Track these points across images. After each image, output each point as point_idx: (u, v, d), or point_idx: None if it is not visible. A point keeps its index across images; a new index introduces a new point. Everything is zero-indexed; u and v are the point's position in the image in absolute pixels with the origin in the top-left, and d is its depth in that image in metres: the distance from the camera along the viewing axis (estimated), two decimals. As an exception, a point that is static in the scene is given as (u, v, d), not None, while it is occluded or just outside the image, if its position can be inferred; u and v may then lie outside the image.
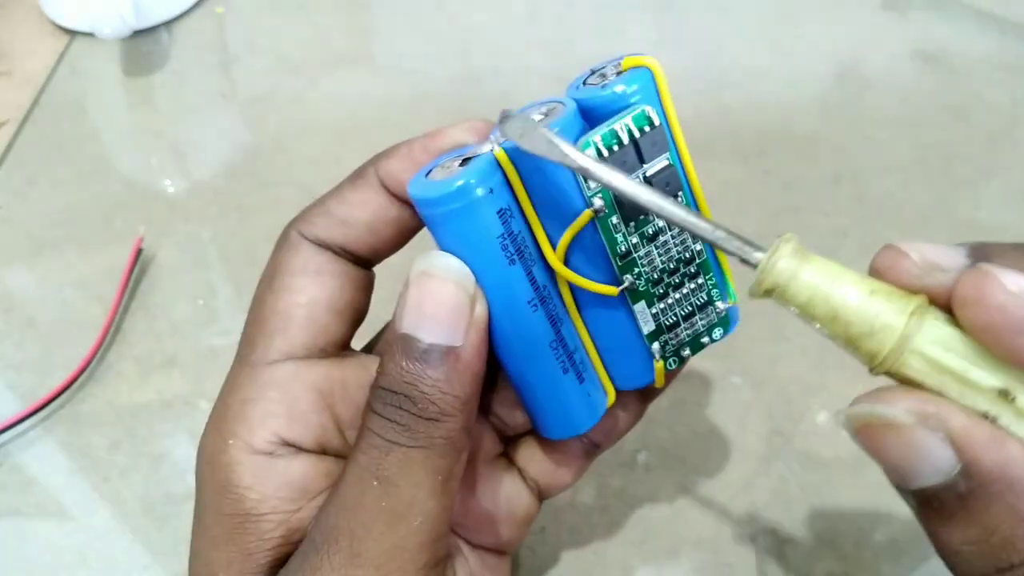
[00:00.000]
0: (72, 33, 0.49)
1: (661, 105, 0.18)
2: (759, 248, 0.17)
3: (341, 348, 0.20)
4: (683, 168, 0.19)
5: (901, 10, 0.49)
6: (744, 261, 0.17)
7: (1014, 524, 0.15)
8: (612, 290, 0.19)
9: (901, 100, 0.44)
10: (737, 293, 0.21)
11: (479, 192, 0.17)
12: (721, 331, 0.21)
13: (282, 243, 0.20)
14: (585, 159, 0.17)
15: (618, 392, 0.21)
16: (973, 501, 0.15)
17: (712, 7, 0.50)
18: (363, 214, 0.20)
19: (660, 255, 0.19)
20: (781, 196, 0.39)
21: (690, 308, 0.20)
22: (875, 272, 0.17)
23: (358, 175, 0.20)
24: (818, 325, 0.17)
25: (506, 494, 0.22)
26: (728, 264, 0.20)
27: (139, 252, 0.36)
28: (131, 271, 0.36)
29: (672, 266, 0.19)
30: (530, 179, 0.18)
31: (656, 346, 0.20)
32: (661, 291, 0.20)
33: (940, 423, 0.15)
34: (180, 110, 0.45)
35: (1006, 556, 0.15)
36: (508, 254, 0.18)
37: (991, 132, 0.42)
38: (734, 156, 0.41)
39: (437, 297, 0.17)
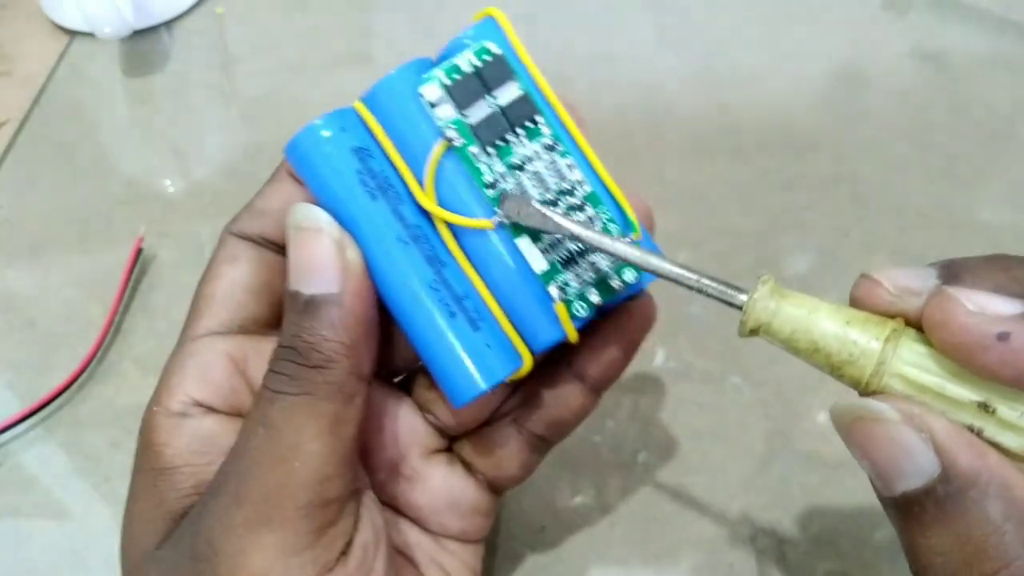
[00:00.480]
0: (72, 33, 0.49)
1: (512, 48, 0.20)
2: (742, 290, 0.18)
3: (265, 327, 0.21)
4: (548, 103, 0.20)
5: (901, 10, 0.49)
6: (729, 304, 0.18)
7: (988, 533, 0.15)
8: (487, 223, 0.19)
9: (901, 100, 0.44)
10: (640, 227, 0.20)
11: (325, 133, 0.19)
12: (634, 274, 0.20)
13: (218, 242, 0.22)
14: (577, 227, 0.18)
15: (537, 357, 0.20)
16: (951, 506, 0.15)
17: (712, 7, 0.50)
18: (276, 203, 0.21)
19: (534, 184, 0.19)
20: (781, 196, 0.39)
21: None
22: (854, 301, 0.18)
23: (275, 170, 0.22)
24: (803, 357, 0.18)
25: (447, 486, 0.23)
26: (622, 194, 0.20)
27: (139, 252, 0.36)
28: (131, 271, 0.36)
29: (552, 197, 0.19)
30: (390, 125, 0.19)
31: (554, 289, 0.19)
32: None
33: (924, 424, 0.16)
34: (180, 110, 0.45)
35: (978, 566, 0.15)
36: (368, 189, 0.19)
37: (991, 132, 0.42)
38: (734, 156, 0.41)
39: (306, 249, 0.19)
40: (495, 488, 0.24)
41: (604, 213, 0.20)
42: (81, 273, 0.37)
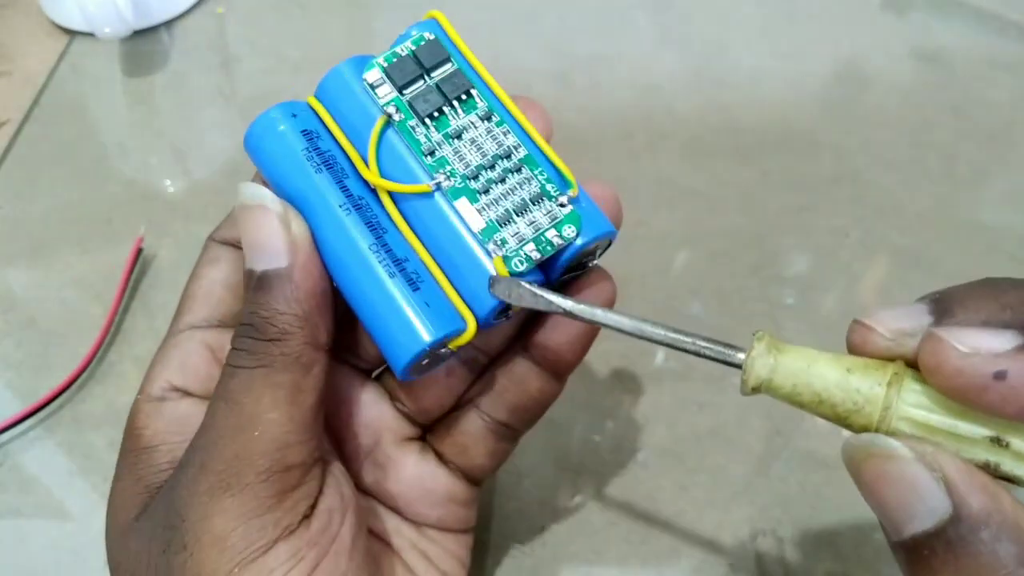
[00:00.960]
0: (72, 33, 0.49)
1: (460, 52, 0.21)
2: (739, 349, 0.18)
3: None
4: (484, 83, 0.21)
5: (901, 10, 0.49)
6: (728, 363, 0.18)
7: (997, 574, 0.15)
8: (425, 188, 0.20)
9: (901, 100, 0.44)
10: (576, 183, 0.20)
11: (277, 118, 0.20)
12: (574, 229, 0.20)
13: (202, 248, 0.23)
14: (569, 303, 0.19)
15: (482, 322, 0.20)
16: (961, 548, 0.15)
17: (713, 7, 0.50)
18: None
19: (471, 151, 0.20)
20: (781, 196, 0.39)
21: (520, 201, 0.20)
22: (851, 348, 0.18)
23: (253, 177, 0.22)
24: (808, 410, 0.18)
25: (419, 474, 0.23)
26: (557, 156, 0.20)
27: (139, 252, 0.36)
28: (131, 271, 0.36)
29: (488, 162, 0.20)
30: (337, 111, 0.21)
31: (492, 245, 0.20)
32: (481, 186, 0.20)
33: (936, 463, 0.16)
34: (180, 110, 0.45)
35: None
36: (314, 164, 0.20)
37: (991, 132, 0.42)
38: (734, 156, 0.41)
39: (253, 227, 0.19)
40: (469, 478, 0.24)
41: (541, 174, 0.20)
42: (81, 273, 0.37)
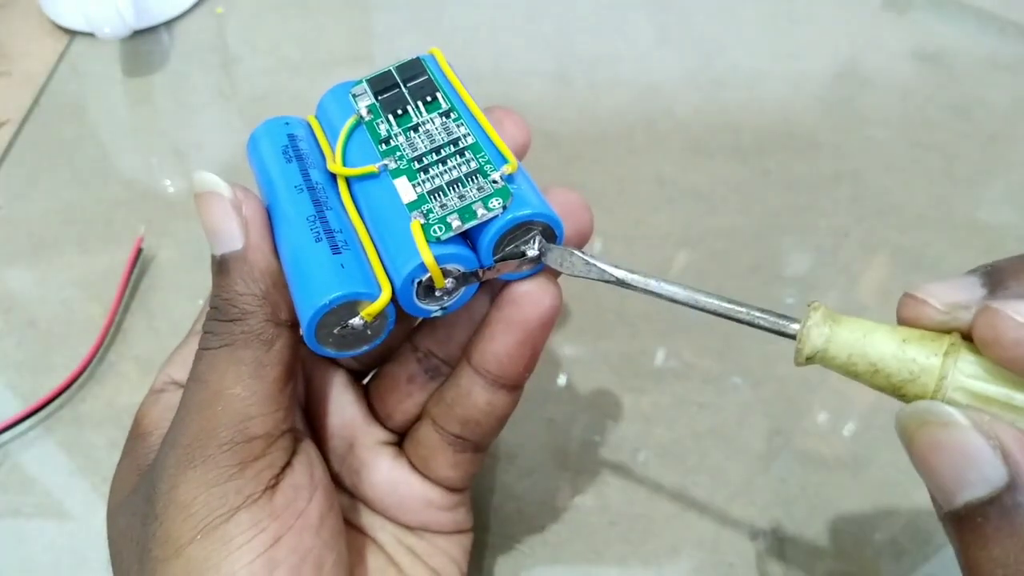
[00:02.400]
0: (72, 33, 0.49)
1: (443, 73, 0.23)
2: (793, 320, 0.18)
3: None
4: (459, 95, 0.22)
5: (901, 10, 0.49)
6: (782, 334, 0.18)
7: None
8: (372, 168, 0.21)
9: (901, 100, 0.44)
10: (518, 164, 0.20)
11: (280, 125, 0.23)
12: (500, 202, 0.19)
13: None
14: (622, 272, 0.20)
15: (399, 292, 0.19)
16: (1017, 516, 0.15)
17: (712, 7, 0.50)
18: None
19: (422, 140, 0.21)
20: (781, 196, 0.39)
21: (455, 176, 0.20)
22: (903, 322, 0.18)
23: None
24: (863, 380, 0.18)
25: (392, 479, 0.23)
26: (506, 147, 0.20)
27: (139, 252, 0.36)
28: (131, 271, 0.36)
29: (436, 147, 0.21)
30: (326, 122, 0.23)
31: (416, 214, 0.19)
32: (422, 166, 0.20)
33: (993, 431, 0.16)
34: (180, 110, 0.45)
35: None
36: (287, 156, 0.22)
37: (991, 132, 0.42)
38: (734, 156, 0.41)
39: (207, 212, 0.20)
40: (443, 486, 0.24)
41: (482, 157, 0.20)
42: (81, 273, 0.37)
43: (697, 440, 0.31)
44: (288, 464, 0.20)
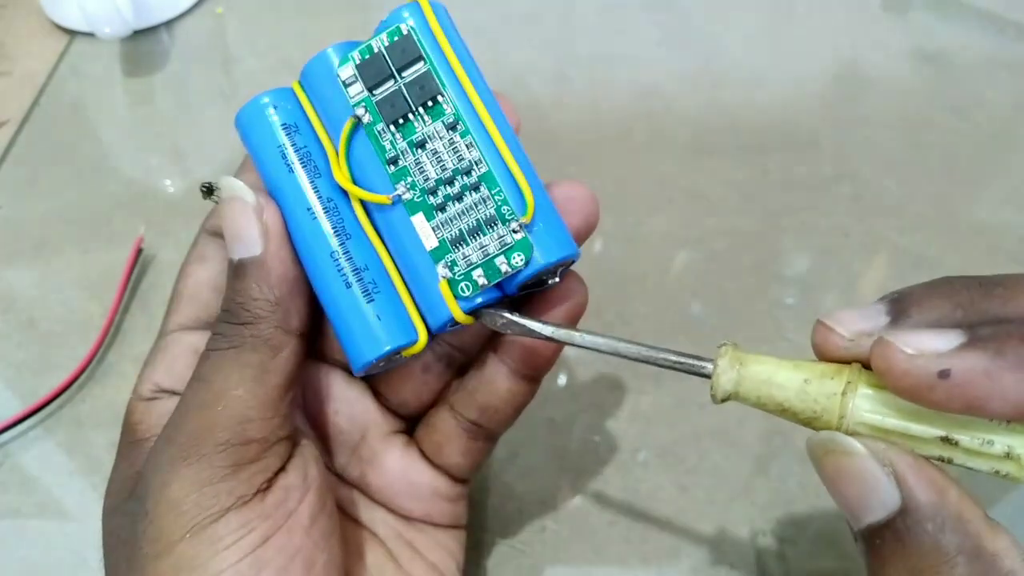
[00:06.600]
0: (72, 33, 0.49)
1: (435, 41, 0.20)
2: (708, 360, 0.19)
3: None
4: (458, 82, 0.20)
5: (901, 10, 0.49)
6: (699, 375, 0.19)
7: (940, 564, 0.16)
8: (385, 199, 0.20)
9: (901, 100, 0.44)
10: (533, 206, 0.20)
11: (264, 105, 0.21)
12: (523, 257, 0.19)
13: (194, 238, 0.24)
14: (551, 329, 0.20)
15: (437, 334, 0.21)
16: (908, 539, 0.16)
17: (713, 7, 0.50)
18: None
19: (433, 164, 0.20)
20: (781, 196, 0.39)
21: (474, 223, 0.20)
22: (814, 347, 0.19)
23: (241, 164, 0.23)
24: (777, 416, 0.19)
25: (403, 468, 0.24)
26: (520, 172, 0.20)
27: (139, 252, 0.36)
28: (131, 271, 0.36)
29: (448, 176, 0.20)
30: (318, 103, 0.21)
31: (442, 267, 0.20)
32: (439, 202, 0.20)
33: (888, 459, 0.17)
34: (180, 110, 0.45)
35: None
36: (287, 163, 0.21)
37: (991, 132, 0.42)
38: (734, 156, 0.41)
39: (229, 217, 0.20)
40: (451, 475, 0.24)
41: (498, 195, 0.20)
42: (81, 273, 0.37)
43: (697, 440, 0.31)
44: (282, 468, 0.20)
